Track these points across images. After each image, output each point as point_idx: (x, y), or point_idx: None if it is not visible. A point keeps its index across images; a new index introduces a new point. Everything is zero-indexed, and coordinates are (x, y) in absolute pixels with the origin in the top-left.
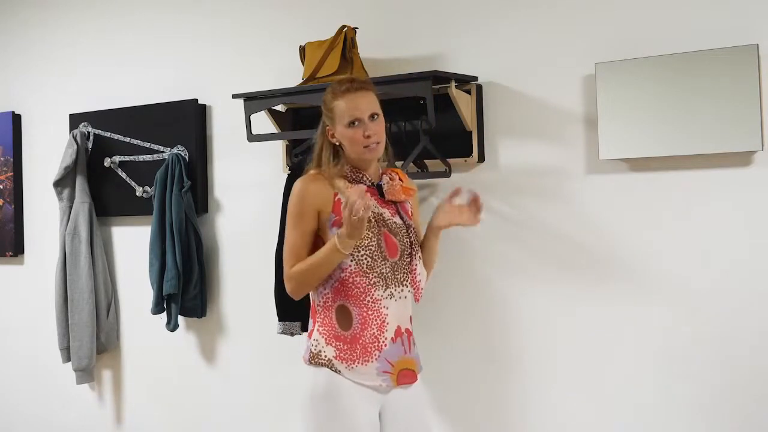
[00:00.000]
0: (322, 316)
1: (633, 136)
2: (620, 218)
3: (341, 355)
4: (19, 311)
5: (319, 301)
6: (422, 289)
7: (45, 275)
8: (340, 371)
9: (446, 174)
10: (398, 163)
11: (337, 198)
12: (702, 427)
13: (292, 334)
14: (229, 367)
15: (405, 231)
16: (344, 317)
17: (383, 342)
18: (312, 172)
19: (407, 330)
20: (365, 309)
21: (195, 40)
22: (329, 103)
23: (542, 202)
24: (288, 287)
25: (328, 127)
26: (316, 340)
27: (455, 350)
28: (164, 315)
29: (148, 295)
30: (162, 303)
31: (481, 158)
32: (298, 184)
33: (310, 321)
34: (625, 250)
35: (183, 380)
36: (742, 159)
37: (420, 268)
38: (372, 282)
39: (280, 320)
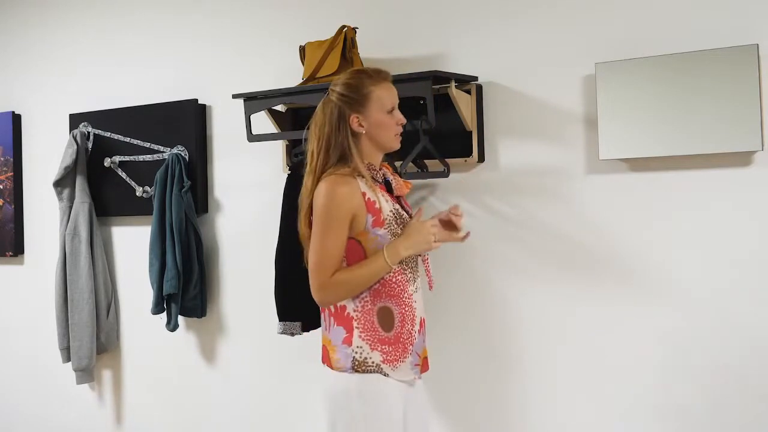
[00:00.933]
0: (362, 322)
1: (633, 136)
2: (620, 218)
3: (387, 357)
4: (19, 311)
5: (357, 307)
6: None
7: (45, 275)
8: (388, 374)
9: (444, 174)
10: (396, 163)
11: (367, 198)
12: (702, 428)
13: (292, 334)
14: (229, 367)
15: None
16: (386, 318)
17: (414, 335)
18: (341, 171)
19: (423, 319)
20: (404, 306)
21: (195, 40)
22: (364, 88)
23: (542, 202)
24: (326, 296)
25: (354, 115)
26: (360, 347)
27: (455, 350)
28: (164, 315)
29: (148, 295)
30: (162, 303)
31: (481, 158)
32: (332, 187)
33: (339, 328)
34: (625, 250)
35: (183, 380)
36: (742, 159)
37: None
38: (408, 278)
39: (280, 320)
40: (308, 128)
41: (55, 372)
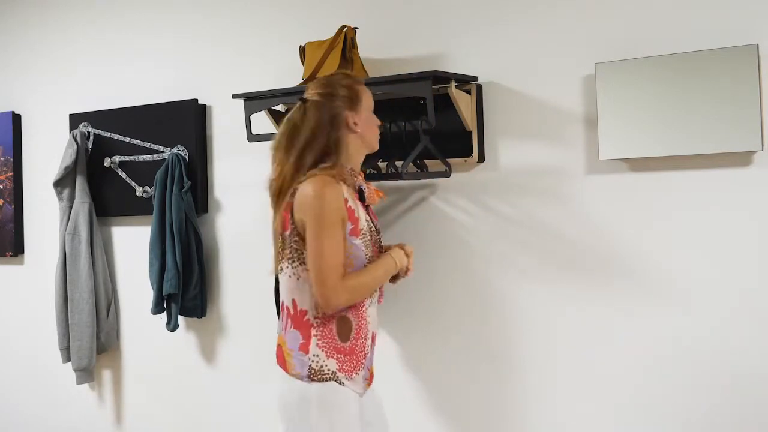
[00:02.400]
0: (320, 329)
1: (633, 136)
2: (620, 218)
3: (343, 366)
4: (19, 311)
5: (316, 313)
6: None
7: (45, 275)
8: (344, 383)
9: (446, 174)
10: (397, 163)
11: (348, 205)
12: (702, 428)
13: None
14: (229, 367)
15: (377, 234)
16: (345, 328)
17: (367, 349)
18: (329, 174)
19: (375, 334)
20: (360, 319)
21: (195, 40)
22: (355, 87)
23: (542, 202)
24: (339, 300)
25: (350, 114)
26: (317, 356)
27: (454, 350)
28: (164, 315)
29: (148, 295)
30: (162, 303)
31: (481, 158)
32: (322, 188)
33: (296, 332)
34: (624, 250)
35: (183, 380)
36: (742, 159)
37: None
38: None
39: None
40: (287, 126)
41: (55, 372)
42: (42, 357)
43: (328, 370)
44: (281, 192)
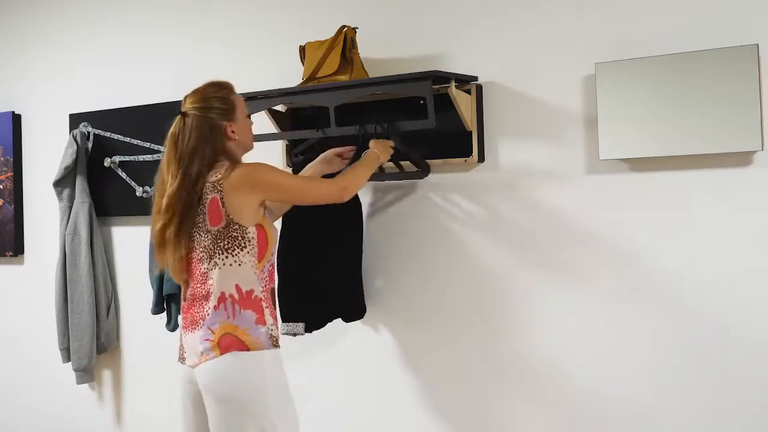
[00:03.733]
0: (268, 302)
1: (633, 136)
2: (620, 218)
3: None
4: (19, 311)
5: (262, 288)
6: None
7: (45, 275)
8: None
9: (420, 175)
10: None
11: None
12: (705, 428)
13: (294, 335)
14: None
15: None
16: (274, 297)
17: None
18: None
19: None
20: (272, 288)
21: (195, 40)
22: (229, 96)
23: (542, 202)
24: (346, 192)
25: (227, 123)
26: (273, 325)
27: (452, 349)
28: (164, 315)
29: (148, 295)
30: (162, 303)
31: (481, 158)
32: (252, 161)
33: (247, 312)
34: (624, 250)
35: None
36: (742, 159)
37: None
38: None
39: (283, 321)
40: (173, 141)
41: (55, 372)
42: (42, 357)
43: (277, 334)
44: (193, 199)
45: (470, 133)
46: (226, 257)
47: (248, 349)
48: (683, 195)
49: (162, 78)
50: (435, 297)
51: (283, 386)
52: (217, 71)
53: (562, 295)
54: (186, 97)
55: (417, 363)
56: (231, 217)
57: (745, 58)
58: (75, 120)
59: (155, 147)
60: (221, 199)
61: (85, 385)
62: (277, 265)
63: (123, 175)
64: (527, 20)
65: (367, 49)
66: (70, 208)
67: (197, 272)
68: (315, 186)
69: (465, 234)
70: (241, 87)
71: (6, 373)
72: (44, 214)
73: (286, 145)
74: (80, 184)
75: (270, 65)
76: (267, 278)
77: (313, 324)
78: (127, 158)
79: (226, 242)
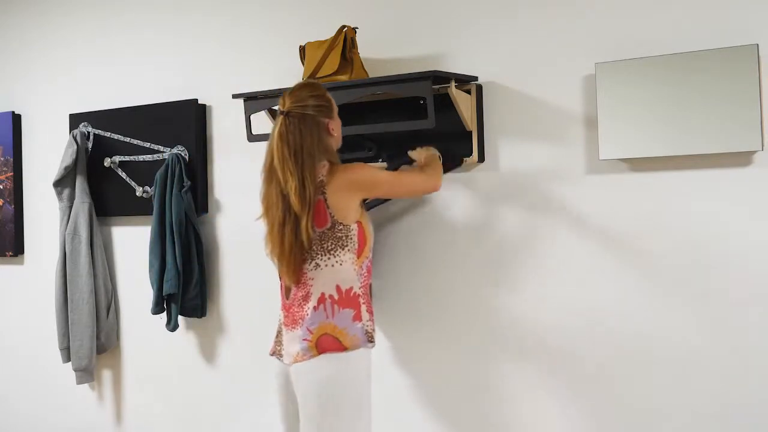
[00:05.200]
0: (365, 298)
1: (633, 136)
2: (620, 218)
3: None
4: (19, 311)
5: (360, 284)
6: None
7: (45, 275)
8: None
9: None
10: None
11: None
12: (708, 429)
13: None
14: (229, 367)
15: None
16: (371, 293)
17: None
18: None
19: None
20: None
21: (195, 40)
22: (326, 94)
23: (542, 202)
24: (437, 184)
25: (328, 120)
26: (368, 320)
27: (453, 349)
28: (164, 315)
29: (148, 295)
30: (162, 303)
31: (481, 158)
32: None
33: (346, 311)
34: (624, 250)
35: (183, 380)
36: (742, 159)
37: None
38: None
39: None
40: (281, 140)
41: (55, 372)
42: (42, 357)
43: (372, 329)
44: (309, 198)
45: (470, 133)
46: (329, 258)
47: (344, 349)
48: (683, 195)
49: (162, 78)
50: (434, 297)
51: (368, 384)
52: (217, 71)
53: (561, 295)
54: (284, 98)
55: (417, 362)
56: (335, 217)
57: (745, 58)
58: (75, 120)
59: (155, 147)
60: (325, 200)
61: (85, 385)
62: None
63: (123, 175)
64: (527, 20)
65: (367, 49)
66: (70, 208)
67: (299, 272)
68: (412, 179)
69: (465, 234)
70: (241, 87)
71: (6, 373)
72: (44, 214)
73: None
74: (80, 184)
75: (270, 65)
76: (365, 274)
77: None
78: (127, 158)
79: (330, 243)
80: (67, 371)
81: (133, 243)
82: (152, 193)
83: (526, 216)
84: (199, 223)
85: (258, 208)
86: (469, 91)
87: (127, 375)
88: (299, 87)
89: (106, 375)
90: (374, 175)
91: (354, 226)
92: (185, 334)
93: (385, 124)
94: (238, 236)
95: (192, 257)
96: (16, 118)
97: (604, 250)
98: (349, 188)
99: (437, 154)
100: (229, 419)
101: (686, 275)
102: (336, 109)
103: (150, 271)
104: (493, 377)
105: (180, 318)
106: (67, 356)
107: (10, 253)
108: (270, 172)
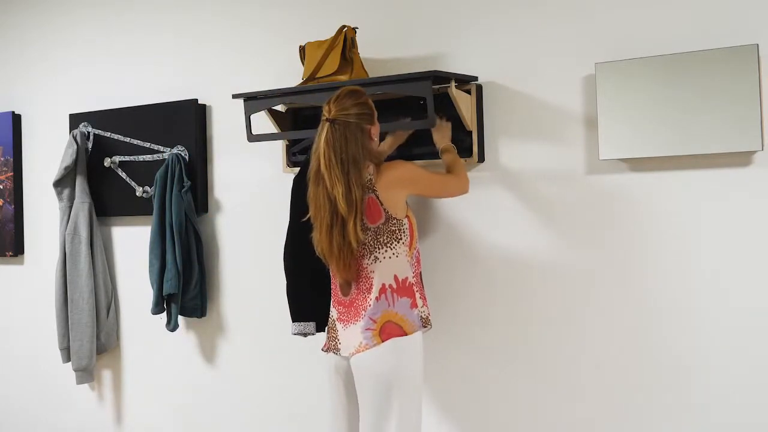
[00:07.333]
0: (418, 286)
1: (633, 136)
2: (620, 218)
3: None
4: (19, 311)
5: (413, 272)
6: None
7: (45, 275)
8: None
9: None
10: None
11: None
12: (713, 429)
13: (305, 335)
14: (229, 367)
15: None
16: (422, 281)
17: None
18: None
19: None
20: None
21: (195, 40)
22: (369, 101)
23: (542, 202)
24: (467, 185)
25: (370, 126)
26: (423, 307)
27: (457, 349)
28: (164, 315)
29: (148, 295)
30: (162, 303)
31: (481, 158)
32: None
33: (404, 299)
34: (624, 250)
35: (183, 380)
36: (742, 159)
37: None
38: None
39: (293, 321)
40: (327, 146)
41: (55, 372)
42: (42, 357)
43: (427, 314)
44: (355, 201)
45: (470, 133)
46: (386, 251)
47: (405, 333)
48: (683, 195)
49: (162, 78)
50: (434, 296)
51: (423, 365)
52: (217, 71)
53: (561, 295)
54: (329, 105)
55: None
56: (389, 213)
57: (745, 58)
58: (75, 120)
59: (155, 147)
60: (377, 197)
61: (85, 385)
62: (287, 266)
63: (123, 175)
64: (527, 20)
65: (367, 49)
66: (70, 208)
67: (358, 268)
68: (450, 181)
69: (464, 234)
70: (241, 87)
71: (6, 373)
72: (44, 214)
73: (286, 145)
74: (80, 184)
75: (270, 65)
76: (416, 264)
77: (325, 323)
78: (127, 158)
79: (385, 237)
80: (67, 371)
81: (133, 243)
82: (152, 193)
83: (526, 216)
84: (199, 223)
85: (258, 208)
86: (469, 91)
87: (127, 375)
88: (344, 95)
89: (106, 375)
90: (415, 170)
91: (405, 221)
92: (185, 334)
93: (385, 124)
94: (238, 236)
95: (192, 257)
96: (16, 118)
97: (604, 249)
98: (397, 185)
99: (455, 149)
100: (229, 419)
101: (685, 275)
102: (376, 114)
103: (150, 271)
104: (493, 377)
105: (180, 318)
106: (67, 356)
107: (10, 253)
108: (317, 176)
